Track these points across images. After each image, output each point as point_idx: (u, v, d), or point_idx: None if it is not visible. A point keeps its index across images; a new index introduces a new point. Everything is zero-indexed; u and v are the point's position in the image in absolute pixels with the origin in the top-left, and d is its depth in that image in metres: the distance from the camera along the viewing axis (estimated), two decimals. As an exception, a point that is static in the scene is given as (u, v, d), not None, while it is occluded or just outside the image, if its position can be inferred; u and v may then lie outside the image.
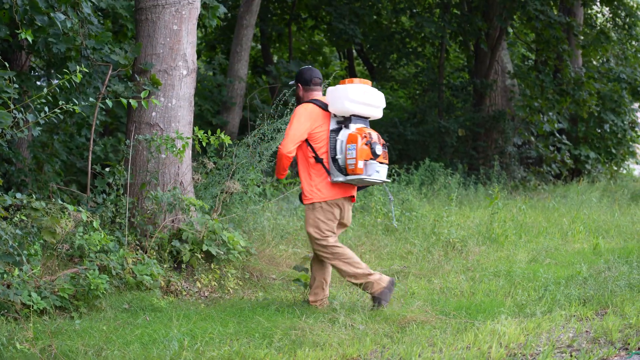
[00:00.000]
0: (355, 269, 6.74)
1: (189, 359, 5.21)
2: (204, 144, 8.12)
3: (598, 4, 23.22)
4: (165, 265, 7.55)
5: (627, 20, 22.79)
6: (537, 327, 6.05)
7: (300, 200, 6.90)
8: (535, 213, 13.22)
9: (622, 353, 5.51)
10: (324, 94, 7.08)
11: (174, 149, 7.83)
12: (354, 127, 6.73)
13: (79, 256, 7.39)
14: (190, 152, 8.29)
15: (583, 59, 22.49)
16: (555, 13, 20.87)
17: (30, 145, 10.40)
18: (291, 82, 7.29)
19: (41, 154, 10.51)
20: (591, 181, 20.40)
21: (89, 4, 8.55)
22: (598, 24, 23.89)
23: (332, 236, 6.78)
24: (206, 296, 7.49)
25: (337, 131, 6.76)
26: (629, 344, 5.66)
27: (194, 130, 8.11)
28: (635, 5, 23.21)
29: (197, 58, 9.67)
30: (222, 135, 8.09)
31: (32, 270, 6.43)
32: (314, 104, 6.85)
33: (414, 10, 23.12)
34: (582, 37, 21.69)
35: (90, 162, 8.28)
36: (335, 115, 6.80)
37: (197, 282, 7.59)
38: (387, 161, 6.84)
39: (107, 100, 6.99)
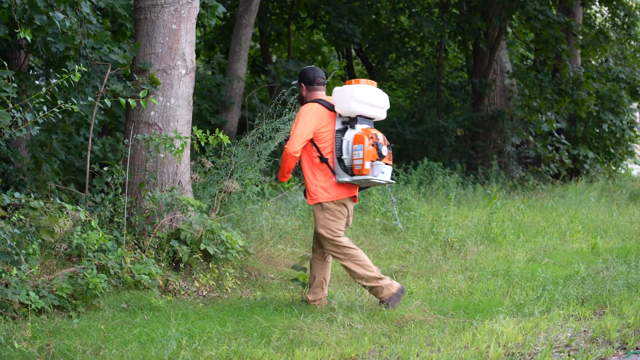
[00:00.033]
0: (366, 272, 6.75)
1: (187, 358, 5.22)
2: (202, 144, 8.12)
3: (597, 3, 23.22)
4: (163, 265, 7.55)
5: (626, 20, 22.79)
6: (535, 327, 6.06)
7: (305, 196, 6.91)
8: (534, 213, 13.22)
9: (620, 353, 5.52)
10: (327, 94, 7.09)
11: (173, 148, 7.82)
12: (359, 127, 6.75)
13: (77, 255, 7.39)
14: (189, 151, 8.30)
15: (582, 59, 22.49)
16: (554, 13, 20.87)
17: (29, 144, 10.40)
18: (294, 82, 7.29)
19: (40, 153, 10.50)
20: (589, 181, 20.41)
21: (87, 3, 8.55)
22: (597, 23, 23.89)
23: (343, 235, 6.81)
24: (204, 295, 7.49)
25: (342, 131, 6.76)
26: (626, 344, 5.67)
27: (192, 130, 8.11)
28: (634, 5, 23.21)
29: (196, 57, 9.67)
30: (221, 135, 8.09)
31: (30, 269, 6.43)
32: (320, 103, 6.84)
33: (413, 10, 23.11)
34: (581, 37, 21.69)
35: (88, 162, 8.28)
36: (340, 116, 6.80)
37: (195, 281, 7.59)
38: (391, 162, 6.86)
39: (105, 100, 6.99)
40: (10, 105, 6.60)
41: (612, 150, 22.24)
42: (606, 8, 23.47)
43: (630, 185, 19.84)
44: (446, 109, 22.14)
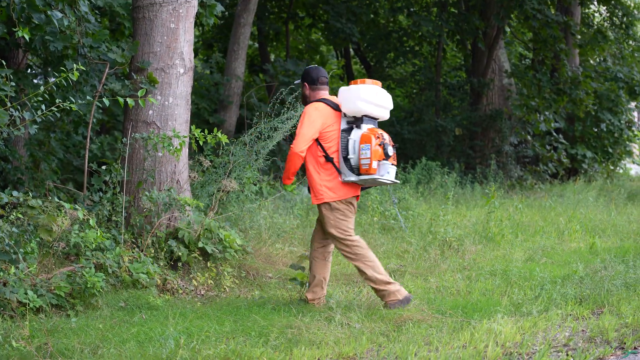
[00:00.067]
0: (375, 274, 6.77)
1: (185, 357, 5.21)
2: (200, 143, 8.12)
3: (595, 3, 23.23)
4: (161, 264, 7.54)
5: (624, 19, 22.80)
6: (534, 326, 6.06)
7: (308, 191, 6.91)
8: (532, 212, 13.23)
9: (618, 352, 5.52)
10: (331, 94, 7.09)
11: (171, 147, 7.82)
12: (365, 127, 6.75)
13: (75, 254, 7.39)
14: (187, 150, 8.29)
15: (580, 58, 22.50)
16: (553, 12, 20.88)
17: (27, 143, 10.39)
18: (297, 82, 7.29)
19: (38, 152, 10.49)
20: (588, 180, 20.42)
21: (86, 2, 8.55)
22: (595, 23, 23.90)
23: (354, 234, 6.82)
24: (202, 294, 7.49)
25: (348, 131, 6.76)
26: (625, 343, 5.67)
27: (191, 129, 8.11)
28: (632, 5, 23.23)
29: (194, 56, 9.67)
30: (219, 135, 8.09)
31: (29, 268, 6.43)
32: (325, 103, 6.84)
33: (411, 9, 23.12)
34: (579, 37, 21.70)
35: (86, 160, 8.28)
36: (345, 115, 6.80)
37: (193, 280, 7.59)
38: (396, 162, 6.87)
39: (104, 99, 6.99)
40: (9, 104, 6.59)
41: (610, 150, 22.25)
42: (604, 8, 23.48)
43: (629, 185, 19.87)
44: (444, 109, 22.14)
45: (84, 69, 7.04)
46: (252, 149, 9.14)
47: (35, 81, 10.44)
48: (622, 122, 22.39)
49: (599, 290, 7.17)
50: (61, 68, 7.10)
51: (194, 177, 8.35)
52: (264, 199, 10.38)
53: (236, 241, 7.89)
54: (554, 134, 21.55)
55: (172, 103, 8.09)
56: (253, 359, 5.24)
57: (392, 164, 6.77)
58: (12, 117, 6.56)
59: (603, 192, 17.13)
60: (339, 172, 6.74)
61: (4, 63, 7.63)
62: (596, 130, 22.02)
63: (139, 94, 7.51)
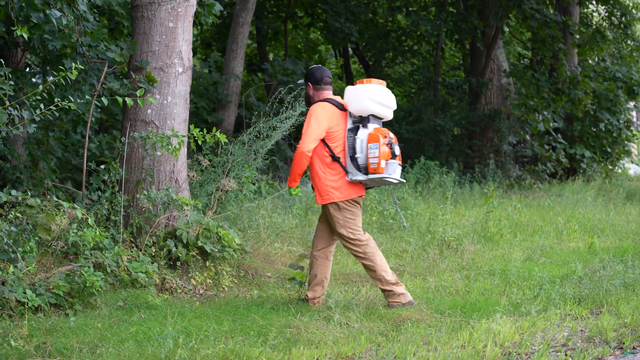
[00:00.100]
0: (384, 273, 6.79)
1: (183, 356, 5.21)
2: (199, 142, 8.12)
3: (594, 2, 23.23)
4: (160, 263, 7.54)
5: (623, 19, 22.82)
6: (532, 326, 6.06)
7: (312, 188, 6.91)
8: (531, 212, 13.23)
9: (617, 352, 5.52)
10: (335, 93, 7.09)
11: (170, 146, 7.81)
12: (371, 127, 6.75)
13: (74, 253, 7.39)
14: (186, 149, 8.29)
15: (579, 58, 22.50)
16: (551, 12, 20.88)
17: (26, 142, 10.38)
18: (300, 81, 7.28)
19: (36, 151, 10.49)
20: (586, 180, 20.43)
21: (84, 1, 8.54)
22: (594, 23, 23.91)
23: (364, 233, 6.83)
24: (201, 294, 7.48)
25: (354, 130, 6.77)
26: (623, 343, 5.67)
27: (189, 128, 8.11)
28: (630, 4, 23.23)
29: (193, 55, 9.66)
30: (218, 134, 8.08)
31: (27, 267, 6.42)
32: (330, 102, 6.84)
33: (410, 9, 23.12)
34: (577, 36, 21.70)
35: (85, 159, 8.27)
36: (350, 115, 6.80)
37: (192, 279, 7.59)
38: (401, 161, 6.89)
39: (102, 98, 6.98)
40: (7, 103, 6.58)
41: (609, 150, 22.26)
42: (603, 7, 23.48)
43: (627, 185, 19.88)
44: (443, 108, 22.14)
45: (83, 68, 7.03)
46: (251, 148, 9.14)
47: (33, 80, 10.44)
48: (620, 121, 22.39)
49: (598, 290, 7.17)
50: (60, 67, 7.09)
51: (193, 176, 8.35)
52: (263, 199, 10.38)
53: (235, 240, 7.89)
54: (553, 133, 21.55)
55: (171, 102, 8.08)
56: (252, 358, 5.24)
57: (399, 164, 6.79)
58: (11, 116, 6.55)
59: (602, 191, 17.14)
60: (346, 171, 6.74)
61: (3, 62, 7.61)
62: (595, 130, 22.03)
63: (138, 93, 7.50)
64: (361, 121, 6.78)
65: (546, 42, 20.41)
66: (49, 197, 6.86)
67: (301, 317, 6.32)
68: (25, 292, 6.17)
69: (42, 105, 6.56)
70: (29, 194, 6.49)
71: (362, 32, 22.91)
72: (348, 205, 6.76)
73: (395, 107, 6.96)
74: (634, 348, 5.59)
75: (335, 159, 6.74)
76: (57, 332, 5.80)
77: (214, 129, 8.26)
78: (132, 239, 7.69)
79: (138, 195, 7.89)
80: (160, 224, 7.78)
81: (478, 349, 5.44)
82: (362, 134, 6.73)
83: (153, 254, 7.58)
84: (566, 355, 5.42)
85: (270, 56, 24.75)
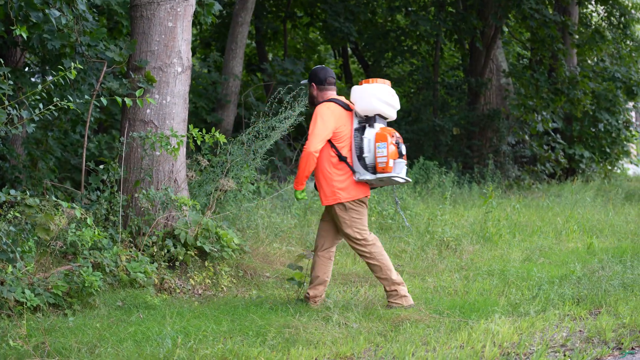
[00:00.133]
0: (389, 273, 6.81)
1: (182, 356, 5.21)
2: (198, 142, 8.11)
3: (593, 3, 23.23)
4: (159, 263, 7.54)
5: (622, 19, 22.80)
6: (531, 327, 6.06)
7: (315, 188, 6.90)
8: (530, 212, 13.23)
9: (616, 353, 5.53)
10: (339, 93, 7.09)
11: (169, 146, 7.81)
12: (378, 126, 6.76)
13: (72, 253, 7.39)
14: (185, 149, 8.28)
15: (578, 58, 22.49)
16: (551, 12, 20.86)
17: (25, 142, 10.38)
18: (303, 82, 7.28)
19: (35, 150, 10.48)
20: (585, 180, 20.42)
21: (84, 0, 8.53)
22: (593, 23, 23.89)
23: (370, 233, 6.83)
24: (200, 294, 7.48)
25: (361, 130, 6.77)
26: (622, 344, 5.68)
27: (188, 128, 8.10)
28: (630, 5, 23.22)
29: (192, 55, 9.65)
30: (217, 134, 8.07)
31: (26, 267, 6.42)
32: (336, 103, 6.84)
33: (409, 9, 23.11)
34: (577, 36, 21.69)
35: (84, 159, 8.27)
36: (356, 115, 6.81)
37: (191, 279, 7.59)
38: (406, 160, 6.91)
39: (101, 98, 6.98)
40: (6, 103, 6.58)
41: (608, 150, 22.24)
42: (602, 7, 23.48)
43: (626, 185, 19.88)
44: (442, 108, 22.13)
45: (82, 67, 7.04)
46: (250, 148, 9.13)
47: (32, 80, 10.43)
48: (619, 122, 22.38)
49: (597, 290, 7.18)
50: (59, 66, 7.08)
51: (192, 176, 8.35)
52: (262, 199, 10.38)
53: (234, 240, 7.88)
54: (552, 133, 21.54)
55: (170, 102, 8.08)
56: (250, 358, 5.24)
57: (405, 163, 6.82)
58: (10, 116, 6.55)
59: (601, 192, 17.14)
60: (354, 171, 6.75)
61: (2, 61, 7.61)
62: (594, 130, 22.02)
63: (137, 93, 7.50)
64: (367, 121, 6.78)
65: (545, 42, 20.40)
66: (47, 196, 6.86)
67: (300, 317, 6.33)
68: (23, 292, 6.17)
69: (41, 105, 6.55)
70: (28, 193, 6.49)
71: (362, 32, 22.90)
72: (354, 205, 6.77)
73: (399, 107, 6.97)
74: (632, 348, 5.59)
75: (342, 159, 6.75)
76: (56, 332, 5.80)
77: (213, 128, 8.26)
78: (130, 239, 7.69)
79: (137, 195, 7.88)
80: (159, 224, 7.78)
81: (477, 349, 5.45)
82: (370, 133, 6.73)
83: (152, 254, 7.58)
84: (565, 355, 5.43)
85: (270, 56, 24.74)
